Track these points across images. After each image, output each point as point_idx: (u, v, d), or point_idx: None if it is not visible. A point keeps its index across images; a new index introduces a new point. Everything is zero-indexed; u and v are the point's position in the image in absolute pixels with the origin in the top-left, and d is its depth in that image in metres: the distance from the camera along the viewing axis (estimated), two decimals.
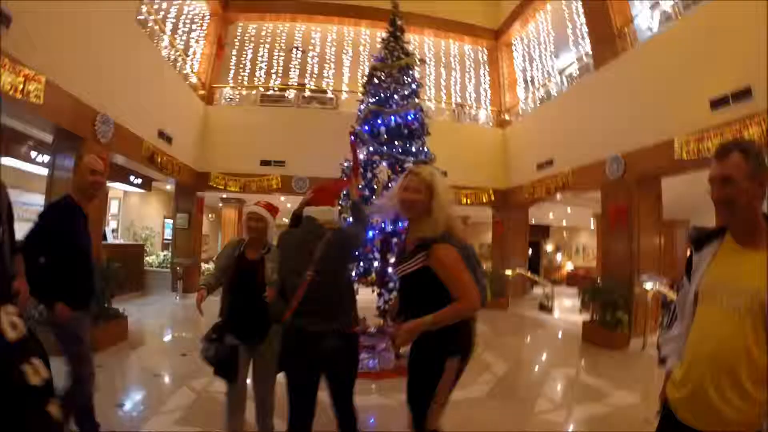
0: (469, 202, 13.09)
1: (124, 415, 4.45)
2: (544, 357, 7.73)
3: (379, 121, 6.94)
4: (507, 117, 14.40)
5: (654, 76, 7.97)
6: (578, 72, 11.83)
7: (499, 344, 8.13)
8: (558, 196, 11.46)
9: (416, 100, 7.25)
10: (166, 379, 5.71)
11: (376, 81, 7.34)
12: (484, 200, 13.22)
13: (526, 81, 14.05)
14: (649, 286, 8.04)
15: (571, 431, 4.44)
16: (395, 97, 7.09)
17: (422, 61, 13.43)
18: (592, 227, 17.75)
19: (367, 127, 7.03)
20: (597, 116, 9.64)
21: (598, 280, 8.59)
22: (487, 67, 14.95)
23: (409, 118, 6.96)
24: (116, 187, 13.03)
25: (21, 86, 5.64)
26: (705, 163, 6.51)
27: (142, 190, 13.73)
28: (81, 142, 7.20)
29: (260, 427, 3.53)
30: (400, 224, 6.51)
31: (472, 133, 14.20)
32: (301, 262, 2.95)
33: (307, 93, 14.19)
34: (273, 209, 3.57)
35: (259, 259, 3.44)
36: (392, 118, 6.91)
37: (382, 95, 7.12)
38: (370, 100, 7.18)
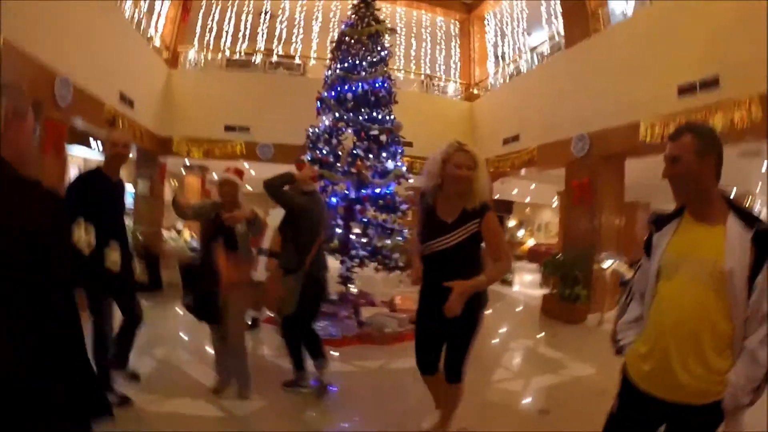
0: None
1: None
2: (503, 329, 7.85)
3: (346, 88, 6.86)
4: (476, 91, 14.38)
5: (624, 59, 8.02)
6: (549, 50, 11.83)
7: None
8: (522, 171, 11.54)
9: (385, 68, 7.17)
10: None
11: (345, 47, 7.24)
12: None
13: (496, 56, 13.98)
14: (608, 263, 8.19)
15: (529, 400, 4.54)
16: (364, 64, 7.01)
17: (392, 30, 13.23)
18: (555, 205, 17.98)
19: (333, 93, 6.94)
20: (565, 95, 9.67)
21: (558, 255, 8.73)
22: (458, 39, 14.84)
23: (377, 85, 6.91)
24: (75, 154, 12.60)
25: None
26: None
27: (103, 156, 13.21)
28: (40, 106, 6.79)
29: (233, 372, 4.04)
30: (363, 191, 6.51)
31: (440, 105, 14.11)
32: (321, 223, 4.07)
33: (275, 58, 13.85)
34: (240, 173, 4.04)
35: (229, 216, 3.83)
36: (360, 84, 6.83)
37: (350, 61, 7.02)
38: (338, 66, 7.07)
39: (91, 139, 11.17)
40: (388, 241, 6.57)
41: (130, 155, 4.21)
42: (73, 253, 1.42)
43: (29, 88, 6.36)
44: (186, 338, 5.89)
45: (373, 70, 7.02)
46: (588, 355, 5.97)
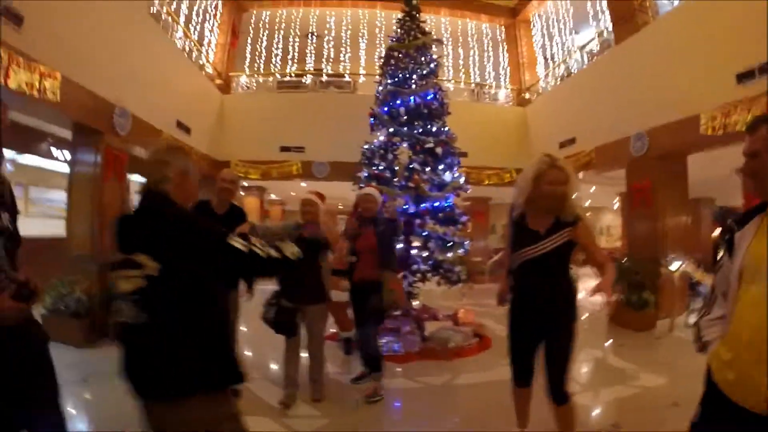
0: (491, 182, 12.87)
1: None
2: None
3: (398, 102, 6.85)
4: (527, 96, 14.11)
5: (677, 50, 7.68)
6: (599, 47, 11.50)
7: None
8: (581, 174, 11.23)
9: (435, 80, 7.13)
10: None
11: (394, 62, 7.24)
12: (507, 180, 12.97)
13: (545, 58, 13.71)
14: (675, 266, 7.79)
15: (599, 414, 4.34)
16: (414, 77, 6.99)
17: (438, 41, 13.19)
18: (617, 207, 17.44)
19: (386, 109, 6.94)
20: (619, 92, 9.31)
21: (624, 260, 8.37)
22: (505, 45, 14.63)
23: (429, 97, 6.86)
24: (138, 181, 13.10)
25: (37, 84, 5.62)
26: (732, 138, 6.33)
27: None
28: (100, 136, 7.17)
29: (311, 378, 4.38)
30: (421, 205, 6.45)
31: (492, 112, 13.95)
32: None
33: (324, 78, 14.07)
34: (321, 196, 4.45)
35: (313, 237, 4.07)
36: (411, 98, 6.81)
37: (400, 76, 7.01)
38: (389, 82, 7.08)
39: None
40: (450, 254, 6.47)
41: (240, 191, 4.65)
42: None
43: (88, 119, 6.81)
44: (249, 354, 5.98)
45: (424, 82, 6.98)
46: (659, 364, 5.66)
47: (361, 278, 4.58)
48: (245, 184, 14.15)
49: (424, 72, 7.05)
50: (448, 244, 6.51)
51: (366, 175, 6.82)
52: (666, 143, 8.07)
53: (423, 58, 7.18)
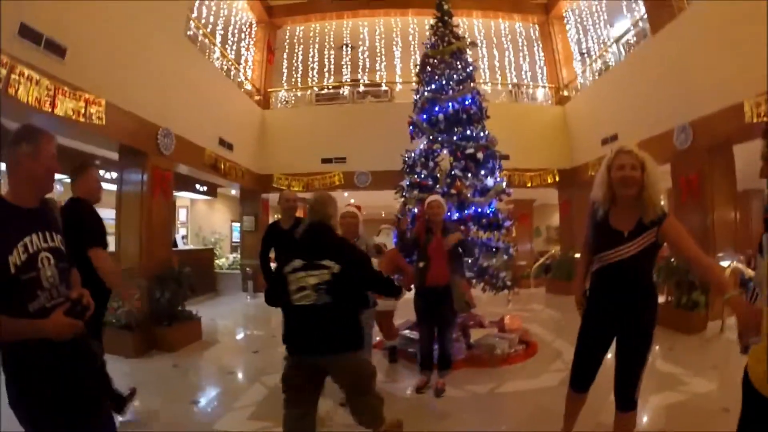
0: (534, 184, 12.71)
1: (199, 411, 4.62)
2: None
3: (436, 109, 6.85)
4: (566, 93, 13.87)
5: (716, 35, 7.41)
6: (635, 38, 11.24)
7: (571, 330, 7.79)
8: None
9: (472, 84, 7.11)
10: (240, 376, 5.85)
11: (429, 69, 7.25)
12: (550, 181, 12.81)
13: (582, 54, 13.47)
14: (725, 263, 7.39)
15: (647, 421, 4.18)
16: (450, 83, 6.97)
17: (473, 44, 13.14)
18: (663, 202, 16.92)
19: (424, 116, 6.95)
20: (659, 84, 9.03)
21: (672, 259, 8.04)
22: (540, 43, 14.46)
23: (467, 102, 6.84)
24: (183, 196, 13.48)
25: (83, 110, 5.98)
26: None
27: (209, 197, 14.18)
28: (145, 156, 7.50)
29: None
30: (465, 212, 6.42)
31: (531, 112, 13.78)
32: None
33: (361, 88, 14.21)
34: (359, 208, 4.71)
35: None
36: (449, 104, 6.80)
37: (437, 82, 7.01)
38: (426, 89, 7.09)
39: (196, 185, 11.91)
40: (494, 260, 6.42)
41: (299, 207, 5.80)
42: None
43: (134, 141, 7.12)
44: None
45: (461, 87, 6.95)
46: (709, 368, 5.38)
47: (434, 283, 4.76)
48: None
49: (461, 77, 7.03)
50: (493, 250, 6.45)
51: (408, 183, 6.83)
52: (711, 134, 7.82)
53: (459, 63, 7.16)
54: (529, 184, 12.58)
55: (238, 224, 14.54)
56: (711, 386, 4.85)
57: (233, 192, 15.07)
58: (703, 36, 7.75)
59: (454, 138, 6.70)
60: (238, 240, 15.32)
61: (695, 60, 7.99)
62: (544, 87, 14.47)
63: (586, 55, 13.29)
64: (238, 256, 14.04)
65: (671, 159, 8.77)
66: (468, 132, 6.77)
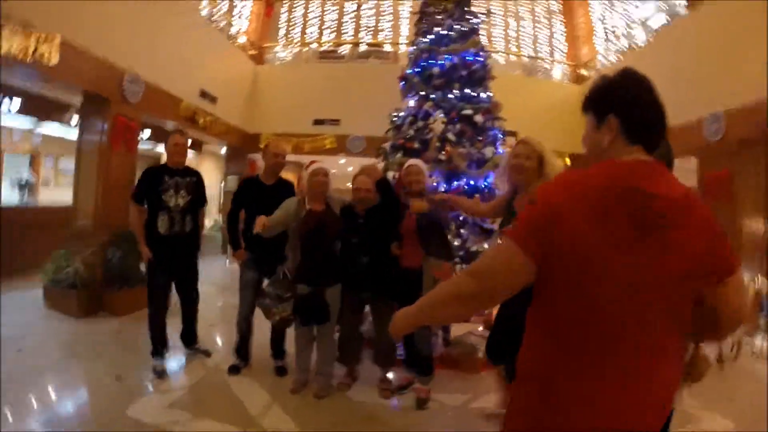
0: None
1: (117, 390, 3.98)
2: None
3: (431, 62, 5.88)
4: (585, 72, 12.89)
5: (759, 14, 6.45)
6: (665, 17, 10.25)
7: None
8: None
9: (478, 39, 6.13)
10: (180, 353, 4.99)
11: (428, 18, 6.27)
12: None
13: (605, 31, 12.51)
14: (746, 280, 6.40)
15: None
16: (452, 34, 6.00)
17: (489, 12, 12.14)
18: None
19: (418, 69, 6.00)
20: (691, 68, 8.04)
21: None
22: (560, 17, 13.45)
23: (469, 58, 5.86)
24: (161, 151, 12.65)
25: (32, 49, 5.34)
26: None
27: (192, 151, 13.23)
28: (107, 103, 6.85)
29: (318, 371, 4.16)
30: (455, 184, 5.48)
31: (546, 89, 12.80)
32: None
33: (364, 47, 13.29)
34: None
35: (323, 209, 4.03)
36: (448, 58, 5.84)
37: (436, 33, 6.04)
38: (422, 40, 6.13)
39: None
40: (486, 245, 5.42)
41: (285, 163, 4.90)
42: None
43: (93, 85, 6.36)
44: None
45: (464, 41, 5.99)
46: (723, 400, 4.29)
47: (408, 264, 4.01)
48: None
49: (465, 29, 6.05)
50: (485, 233, 5.47)
51: (392, 145, 5.91)
52: (746, 126, 6.86)
53: (463, 14, 6.18)
54: None
55: (222, 184, 13.77)
56: (727, 422, 3.97)
57: (223, 151, 14.24)
58: (742, 15, 6.85)
59: (450, 97, 5.73)
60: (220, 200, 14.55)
61: (732, 42, 7.07)
62: (561, 64, 13.43)
63: (609, 32, 12.29)
64: (220, 217, 13.31)
65: (698, 152, 7.82)
66: (467, 92, 5.80)
